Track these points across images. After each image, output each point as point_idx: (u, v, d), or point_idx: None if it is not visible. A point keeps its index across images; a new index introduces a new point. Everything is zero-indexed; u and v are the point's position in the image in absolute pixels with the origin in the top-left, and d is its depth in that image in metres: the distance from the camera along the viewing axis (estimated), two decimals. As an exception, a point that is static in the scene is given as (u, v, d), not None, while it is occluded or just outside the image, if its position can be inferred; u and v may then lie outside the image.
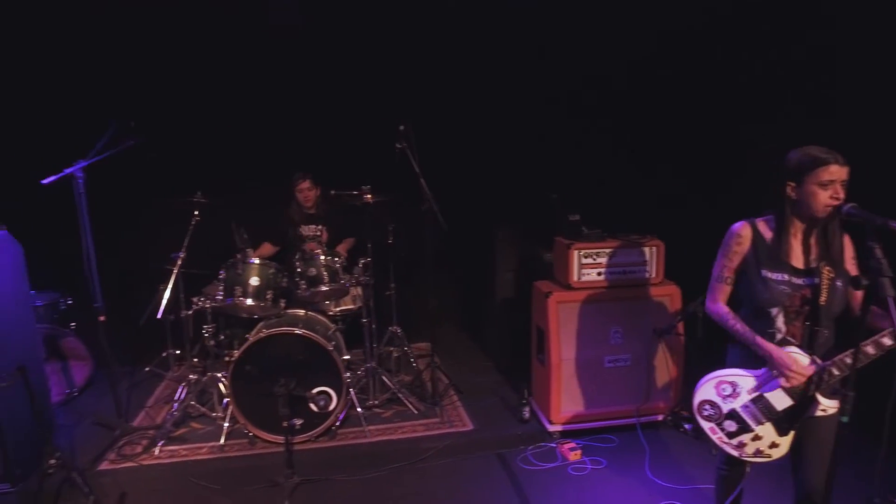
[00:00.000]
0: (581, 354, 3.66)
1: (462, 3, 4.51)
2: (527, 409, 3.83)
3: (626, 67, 4.84)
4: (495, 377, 4.57)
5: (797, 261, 2.10)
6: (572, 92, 4.95)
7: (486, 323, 5.05)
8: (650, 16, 4.59)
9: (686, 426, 3.69)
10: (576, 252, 3.62)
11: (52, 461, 2.89)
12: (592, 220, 3.85)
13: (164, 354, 4.51)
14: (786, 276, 2.09)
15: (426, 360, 4.48)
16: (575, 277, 3.63)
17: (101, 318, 3.54)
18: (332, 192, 4.05)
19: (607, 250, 3.65)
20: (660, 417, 3.77)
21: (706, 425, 2.25)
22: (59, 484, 3.10)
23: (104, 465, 3.41)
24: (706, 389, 2.25)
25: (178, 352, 4.51)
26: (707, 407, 2.24)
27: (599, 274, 3.66)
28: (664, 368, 3.73)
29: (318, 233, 4.32)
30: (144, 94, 4.27)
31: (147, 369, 4.47)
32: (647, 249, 3.68)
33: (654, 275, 3.71)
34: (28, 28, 4.14)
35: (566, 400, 3.68)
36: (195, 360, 4.21)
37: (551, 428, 3.68)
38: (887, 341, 1.90)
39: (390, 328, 4.42)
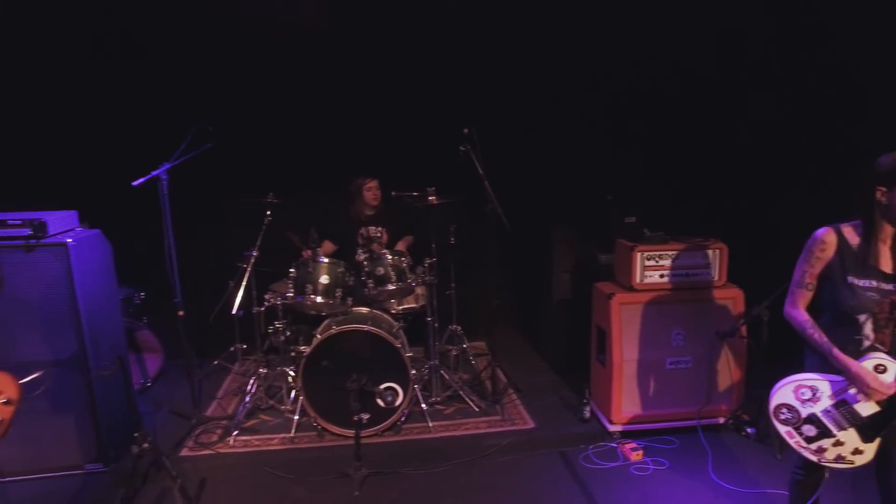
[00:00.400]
0: (642, 355, 3.69)
1: (523, 11, 4.56)
2: (587, 408, 3.88)
3: (680, 70, 4.83)
4: (551, 377, 4.62)
5: (886, 266, 2.11)
6: (629, 95, 4.95)
7: (541, 323, 5.09)
8: (708, 17, 4.57)
9: (749, 430, 3.68)
10: (639, 254, 3.64)
11: (146, 445, 3.05)
12: (648, 223, 3.88)
13: (232, 349, 4.69)
14: (874, 283, 2.10)
15: (483, 358, 4.57)
16: (638, 279, 3.66)
17: (180, 314, 3.71)
18: (393, 192, 4.16)
19: (670, 253, 3.66)
20: (721, 420, 3.77)
21: (783, 429, 2.27)
22: (147, 467, 3.30)
23: (184, 452, 3.60)
24: (784, 393, 2.26)
25: (244, 346, 4.69)
26: (784, 411, 2.26)
27: (662, 276, 3.68)
28: (726, 371, 3.73)
29: (379, 233, 4.44)
30: (220, 99, 4.45)
31: (216, 362, 4.67)
32: (710, 252, 3.68)
33: (717, 277, 3.71)
34: (115, 42, 4.36)
35: (627, 400, 3.71)
36: (263, 354, 4.36)
37: (612, 428, 3.72)
38: None
39: (450, 327, 4.51)
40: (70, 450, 3.35)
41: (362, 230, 4.42)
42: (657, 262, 3.67)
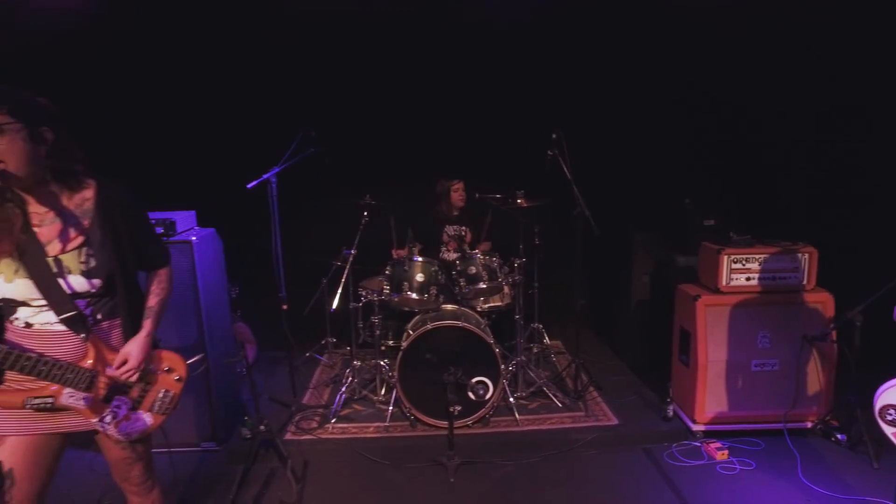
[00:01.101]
0: (727, 357, 3.74)
1: (614, 24, 4.68)
2: (671, 407, 3.95)
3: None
4: (630, 377, 4.70)
5: None
6: (708, 102, 4.99)
7: (619, 324, 5.18)
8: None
9: (839, 436, 3.67)
10: (725, 257, 3.70)
11: (262, 427, 3.33)
12: (727, 226, 3.92)
13: (323, 342, 4.97)
14: None
15: (563, 357, 4.70)
16: (724, 282, 3.72)
17: (284, 307, 3.99)
18: (477, 194, 4.35)
19: (758, 256, 3.70)
20: (808, 425, 3.78)
21: (889, 430, 2.33)
22: (257, 447, 3.57)
23: (287, 436, 3.86)
24: (891, 394, 2.32)
25: (334, 340, 4.96)
26: (892, 412, 2.32)
27: (749, 279, 3.73)
28: (815, 376, 3.74)
29: (463, 232, 4.63)
30: (322, 107, 4.77)
31: (307, 354, 4.95)
32: (800, 256, 3.70)
33: (806, 281, 3.72)
34: (225, 59, 4.73)
35: (710, 401, 3.77)
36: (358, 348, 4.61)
37: (695, 427, 3.79)
38: None
39: (532, 325, 4.66)
40: (188, 429, 3.66)
41: (448, 229, 4.62)
42: (744, 265, 3.72)
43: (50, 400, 1.88)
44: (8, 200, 1.78)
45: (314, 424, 3.99)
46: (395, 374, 3.81)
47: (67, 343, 1.90)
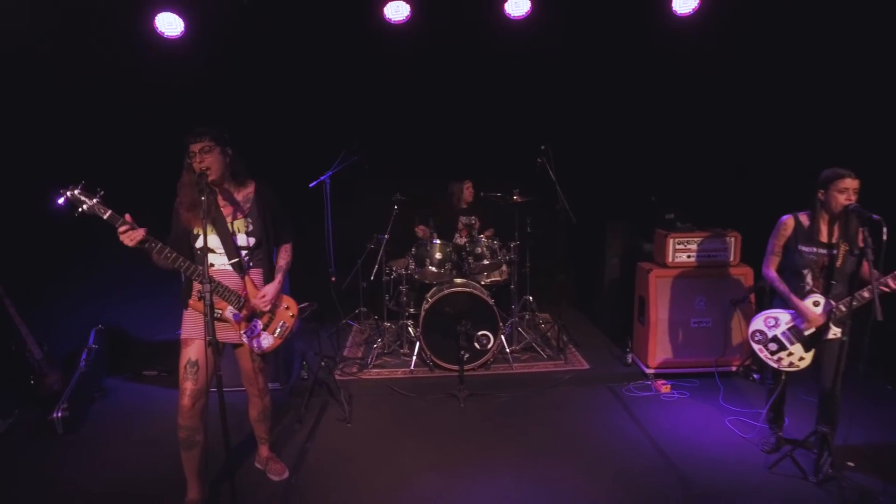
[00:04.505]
0: (672, 316, 4.90)
1: (593, 49, 5.88)
2: (630, 355, 5.12)
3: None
4: (603, 338, 5.88)
5: (824, 239, 3.31)
6: (672, 115, 6.16)
7: (595, 298, 6.36)
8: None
9: (755, 376, 4.83)
10: (671, 240, 4.87)
11: (323, 364, 4.50)
12: (684, 215, 5.07)
13: (357, 311, 6.14)
14: (815, 249, 3.31)
15: (550, 325, 5.87)
16: (670, 259, 4.88)
17: (333, 279, 5.17)
18: (482, 193, 5.53)
19: (696, 239, 4.87)
20: (733, 368, 4.94)
21: (756, 347, 3.49)
22: (311, 385, 4.71)
23: (336, 376, 5.03)
24: (757, 322, 3.49)
25: (365, 309, 6.13)
26: (757, 334, 3.48)
27: (689, 257, 4.89)
28: (738, 330, 4.89)
29: (473, 221, 5.81)
30: (364, 123, 5.99)
31: (344, 321, 6.12)
32: (728, 239, 4.87)
33: (732, 258, 4.89)
34: (293, 84, 5.91)
35: (659, 350, 4.93)
36: (376, 318, 5.78)
37: (647, 370, 4.95)
38: (866, 294, 3.09)
39: (524, 297, 5.84)
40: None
41: (462, 218, 5.80)
42: (685, 246, 4.88)
43: (219, 311, 3.05)
44: (209, 191, 2.97)
45: (355, 370, 5.16)
46: (420, 328, 4.97)
47: (233, 278, 3.08)
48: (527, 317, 5.88)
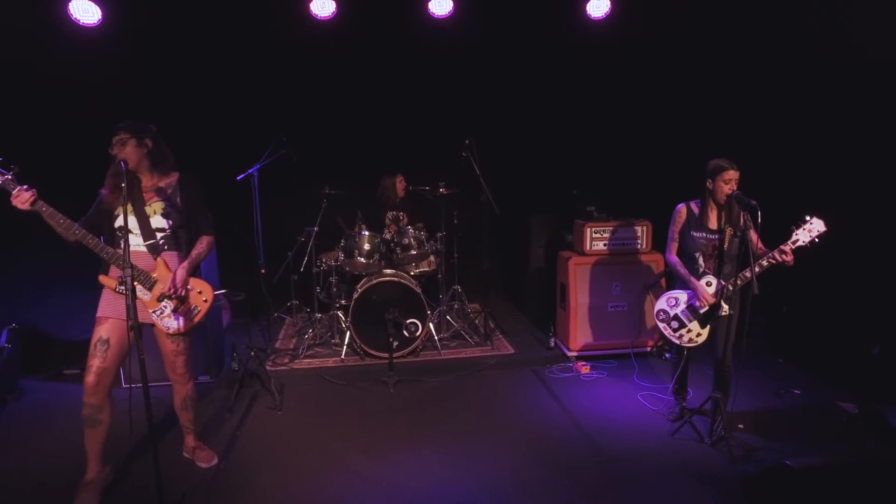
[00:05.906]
0: (591, 301, 5.20)
1: (515, 44, 6.12)
2: (552, 339, 5.40)
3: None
4: (528, 325, 6.14)
5: (712, 225, 3.64)
6: (593, 113, 6.50)
7: (522, 288, 6.62)
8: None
9: (667, 355, 5.19)
10: (588, 229, 5.16)
11: (253, 353, 4.52)
12: (604, 207, 5.39)
13: (289, 304, 6.16)
14: (705, 234, 3.63)
15: (478, 313, 6.08)
16: (587, 247, 5.17)
17: (263, 271, 5.19)
18: (410, 187, 5.67)
19: (610, 228, 5.18)
20: (648, 349, 5.29)
21: (661, 325, 3.79)
22: (242, 376, 4.74)
23: (267, 367, 5.05)
24: (661, 302, 3.79)
25: (297, 302, 6.16)
26: (661, 313, 3.78)
27: (605, 245, 5.20)
28: (651, 313, 5.23)
29: (401, 216, 5.94)
30: (291, 117, 6.00)
31: (275, 315, 6.13)
32: (639, 227, 5.20)
33: (644, 246, 5.23)
34: (218, 77, 5.85)
35: (580, 334, 5.22)
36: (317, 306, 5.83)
37: (569, 353, 5.23)
38: (748, 274, 3.43)
39: (453, 287, 6.02)
40: (189, 365, 4.79)
41: (389, 213, 5.92)
42: (601, 234, 5.19)
43: (122, 289, 3.06)
44: (131, 178, 3.00)
45: (286, 360, 5.20)
46: (350, 317, 5.06)
47: (145, 259, 3.12)
48: (456, 306, 6.07)
